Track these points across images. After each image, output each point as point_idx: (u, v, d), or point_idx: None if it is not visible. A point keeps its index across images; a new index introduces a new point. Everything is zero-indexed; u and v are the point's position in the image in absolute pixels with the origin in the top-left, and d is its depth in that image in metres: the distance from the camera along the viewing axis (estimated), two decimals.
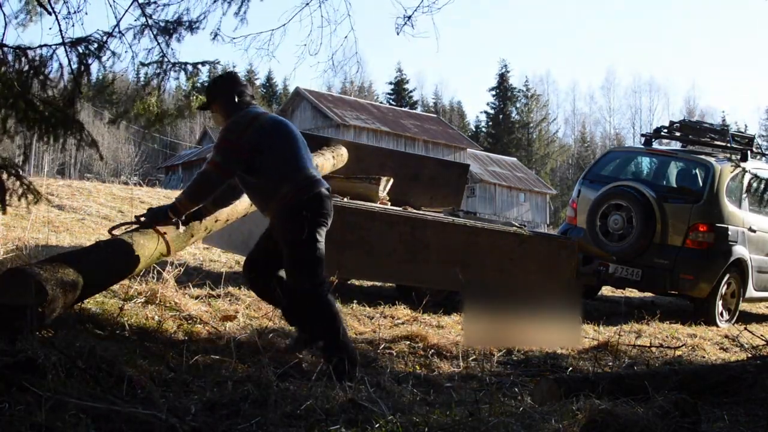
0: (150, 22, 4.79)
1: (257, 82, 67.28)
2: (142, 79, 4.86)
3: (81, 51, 4.46)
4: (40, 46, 4.48)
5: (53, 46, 4.50)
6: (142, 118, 4.87)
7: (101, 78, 4.80)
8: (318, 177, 4.21)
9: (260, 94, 66.13)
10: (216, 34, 5.09)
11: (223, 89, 4.19)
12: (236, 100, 4.16)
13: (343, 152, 7.71)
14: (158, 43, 4.77)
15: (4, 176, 4.16)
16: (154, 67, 4.81)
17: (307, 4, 5.68)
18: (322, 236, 4.17)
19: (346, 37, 6.02)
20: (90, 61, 4.51)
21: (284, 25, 5.71)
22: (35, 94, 4.30)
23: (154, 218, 4.17)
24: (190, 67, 4.87)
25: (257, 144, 4.03)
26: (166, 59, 4.83)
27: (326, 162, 7.26)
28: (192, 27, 4.91)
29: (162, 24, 4.81)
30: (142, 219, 4.22)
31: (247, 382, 3.40)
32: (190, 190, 4.13)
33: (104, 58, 4.56)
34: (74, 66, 4.47)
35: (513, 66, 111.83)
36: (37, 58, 4.44)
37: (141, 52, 4.84)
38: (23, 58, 4.35)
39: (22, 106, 4.15)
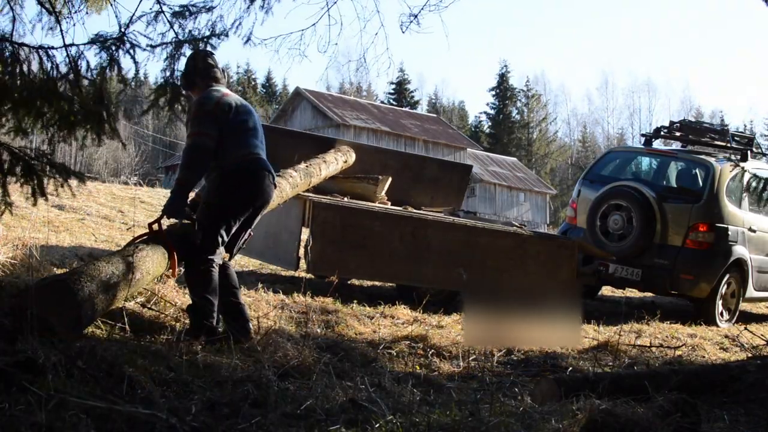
0: (164, 8, 4.77)
1: (257, 81, 67.35)
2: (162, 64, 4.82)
3: (102, 44, 4.46)
4: (65, 46, 4.48)
5: (81, 46, 4.49)
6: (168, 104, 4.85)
7: (124, 72, 4.74)
8: (259, 157, 4.45)
9: (260, 94, 66.12)
10: (248, 38, 5.08)
11: (202, 69, 4.52)
12: (210, 76, 4.52)
13: (352, 155, 7.74)
14: (171, 26, 4.75)
15: (39, 167, 4.16)
16: (165, 49, 4.77)
17: (336, 2, 5.67)
18: (233, 214, 4.37)
19: (376, 34, 5.98)
20: (113, 54, 4.50)
21: (314, 24, 5.70)
22: (57, 92, 4.30)
23: (173, 213, 4.27)
24: (201, 44, 4.85)
25: (222, 118, 4.33)
26: (176, 38, 4.80)
27: (335, 163, 7.29)
28: (208, 9, 4.89)
29: (177, 8, 4.80)
30: (155, 226, 4.24)
31: (247, 382, 3.40)
32: (186, 163, 4.31)
33: (125, 49, 4.55)
34: (96, 62, 4.49)
35: (514, 66, 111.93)
36: (66, 59, 4.45)
37: (156, 37, 4.81)
38: (45, 59, 4.35)
39: (39, 105, 4.17)
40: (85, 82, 4.51)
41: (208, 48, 4.75)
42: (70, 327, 3.40)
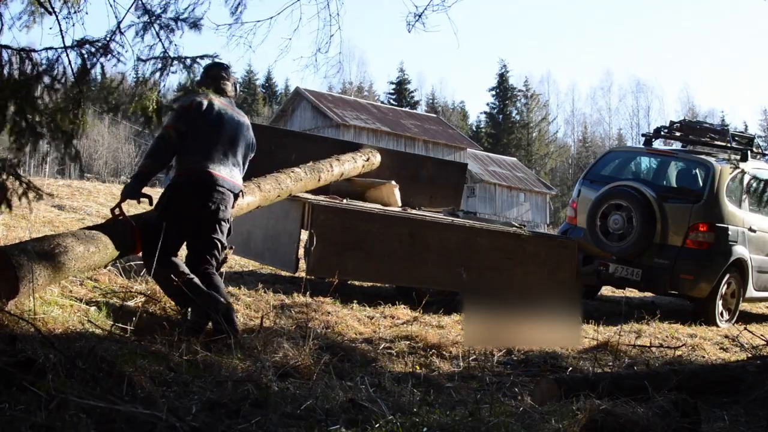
0: (152, 19, 4.77)
1: (257, 82, 67.34)
2: (140, 75, 4.85)
3: (85, 53, 4.46)
4: (46, 49, 4.47)
5: (59, 49, 4.49)
6: (140, 115, 4.88)
7: (104, 79, 4.78)
8: (209, 171, 4.58)
9: (261, 94, 66.13)
10: (195, 23, 5.06)
11: (212, 77, 4.82)
12: (217, 86, 4.81)
13: (376, 156, 7.78)
14: (160, 40, 4.76)
15: (4, 176, 4.18)
16: (153, 63, 4.80)
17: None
18: (179, 223, 4.57)
19: (331, 36, 5.95)
20: (94, 62, 4.51)
21: (272, 17, 5.71)
22: (32, 100, 4.31)
23: (130, 194, 4.57)
24: (189, 61, 4.88)
25: (194, 117, 4.59)
26: (166, 54, 4.82)
27: (351, 162, 7.33)
28: (196, 25, 4.90)
29: (164, 21, 4.80)
30: (117, 210, 4.51)
31: (247, 382, 3.40)
32: (151, 151, 4.66)
33: (108, 58, 4.57)
34: (76, 66, 4.47)
35: (514, 66, 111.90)
36: (44, 61, 4.44)
37: (144, 49, 4.83)
38: (27, 61, 4.34)
39: (10, 113, 4.20)
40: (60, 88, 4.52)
41: (195, 64, 4.86)
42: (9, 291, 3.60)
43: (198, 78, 4.80)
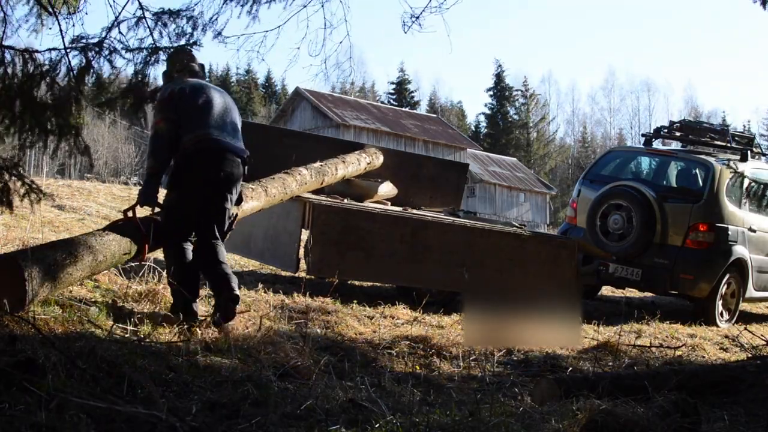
0: (146, 14, 4.79)
1: (258, 81, 67.35)
2: (133, 68, 4.86)
3: (80, 49, 4.47)
4: (49, 50, 4.49)
5: (62, 50, 4.50)
6: (132, 107, 4.89)
7: (102, 76, 4.80)
8: (214, 137, 4.53)
9: (260, 94, 66.11)
10: (219, 33, 5.08)
11: (179, 64, 4.79)
12: (175, 75, 4.76)
13: (379, 157, 7.79)
14: (151, 33, 4.79)
15: (6, 177, 4.19)
16: (138, 54, 4.82)
17: (305, 6, 5.67)
18: (191, 194, 4.55)
19: (340, 42, 5.98)
20: (90, 58, 4.53)
21: (280, 26, 5.69)
22: (37, 97, 4.33)
23: (147, 201, 4.57)
24: (171, 51, 4.88)
25: (179, 102, 4.55)
26: (154, 45, 4.85)
27: (356, 164, 7.34)
28: (190, 18, 4.93)
29: (157, 11, 4.83)
30: (129, 213, 4.49)
31: (247, 382, 3.40)
32: (150, 151, 4.62)
33: (104, 55, 4.58)
34: (75, 64, 4.49)
35: (515, 66, 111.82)
36: (46, 62, 4.46)
37: (135, 42, 4.85)
38: (30, 62, 4.36)
39: (18, 109, 4.21)
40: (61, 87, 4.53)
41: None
42: (16, 302, 3.55)
43: (166, 67, 4.83)
